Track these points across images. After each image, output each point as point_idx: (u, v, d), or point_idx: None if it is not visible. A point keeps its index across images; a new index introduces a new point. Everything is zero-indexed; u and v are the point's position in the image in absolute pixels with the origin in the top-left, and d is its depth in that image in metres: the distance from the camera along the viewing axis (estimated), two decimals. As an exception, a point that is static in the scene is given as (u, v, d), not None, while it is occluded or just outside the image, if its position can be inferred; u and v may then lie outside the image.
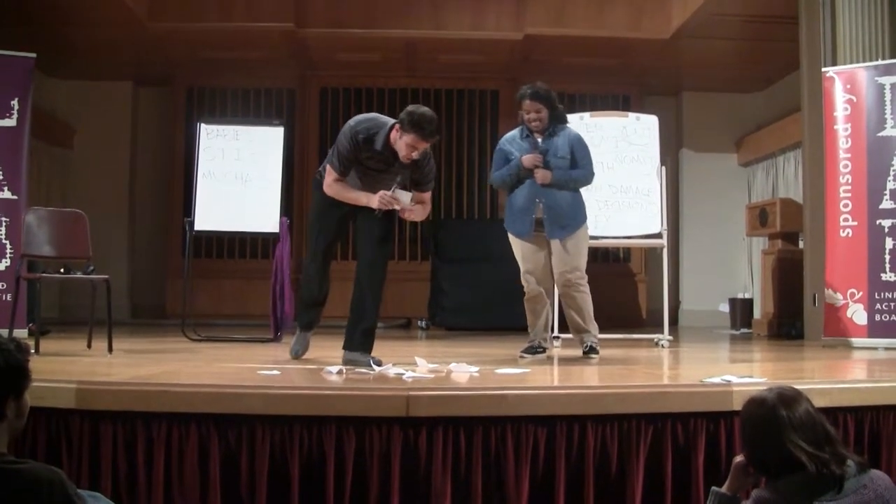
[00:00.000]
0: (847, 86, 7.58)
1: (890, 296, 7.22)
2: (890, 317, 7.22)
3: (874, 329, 7.27)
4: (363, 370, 4.78)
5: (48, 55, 9.27)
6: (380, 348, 5.52)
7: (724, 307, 11.41)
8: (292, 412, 3.69)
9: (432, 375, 4.49)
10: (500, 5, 10.56)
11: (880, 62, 7.64)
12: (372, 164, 5.24)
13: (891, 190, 7.29)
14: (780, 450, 2.70)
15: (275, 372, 4.65)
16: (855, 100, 7.51)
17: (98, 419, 3.69)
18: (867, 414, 4.08)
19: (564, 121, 6.15)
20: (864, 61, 7.77)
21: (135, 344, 7.17)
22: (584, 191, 6.19)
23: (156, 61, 11.54)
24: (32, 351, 3.00)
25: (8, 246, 7.26)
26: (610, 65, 11.26)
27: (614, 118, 8.29)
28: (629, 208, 7.94)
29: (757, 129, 12.01)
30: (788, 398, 2.78)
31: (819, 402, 3.37)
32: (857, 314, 7.35)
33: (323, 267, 5.59)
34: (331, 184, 5.30)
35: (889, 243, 7.27)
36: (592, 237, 6.63)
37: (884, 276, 7.27)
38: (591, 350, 5.95)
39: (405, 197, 5.22)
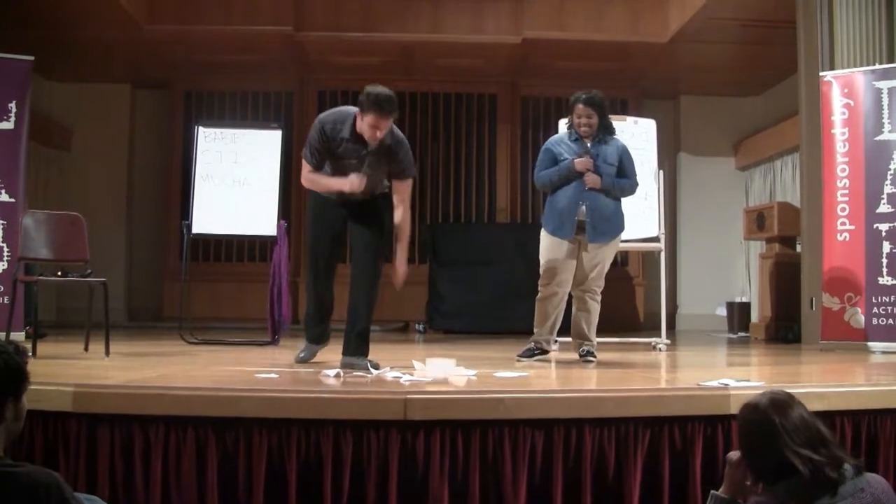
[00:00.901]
0: (845, 90, 7.59)
1: (887, 299, 7.22)
2: (887, 320, 7.22)
3: (871, 333, 7.27)
4: (360, 373, 4.78)
5: (46, 58, 9.27)
6: (377, 352, 5.51)
7: (722, 311, 11.41)
8: (290, 415, 3.68)
9: (430, 378, 4.48)
10: (499, 9, 10.58)
11: (878, 66, 7.65)
12: (345, 154, 5.24)
13: (888, 194, 7.30)
14: (774, 455, 2.69)
15: (272, 375, 4.65)
16: (852, 104, 7.52)
17: (95, 422, 3.68)
18: (864, 418, 4.08)
19: (613, 131, 6.16)
20: (861, 66, 7.78)
21: (132, 347, 7.16)
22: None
23: (154, 64, 11.54)
24: (30, 354, 3.00)
25: (5, 249, 7.26)
26: (608, 68, 11.27)
27: (612, 122, 8.28)
28: (626, 212, 7.93)
29: (754, 133, 12.03)
30: (781, 402, 2.77)
31: (816, 406, 3.37)
32: (855, 318, 7.35)
33: (327, 282, 5.56)
34: (305, 175, 5.36)
35: (886, 247, 7.27)
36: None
37: (881, 280, 7.27)
38: (588, 354, 5.97)
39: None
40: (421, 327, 10.90)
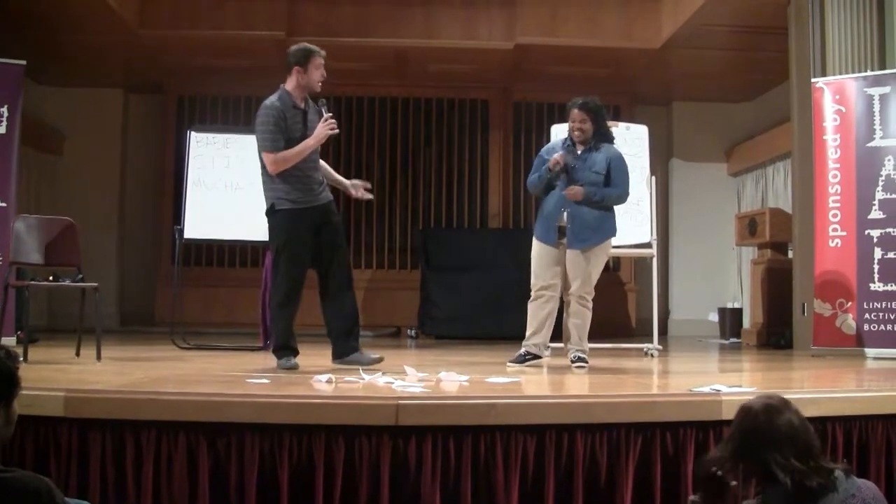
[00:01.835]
0: (836, 96, 7.62)
1: (878, 305, 7.25)
2: (878, 326, 7.24)
3: (863, 338, 7.29)
4: (353, 378, 4.77)
5: (38, 62, 9.26)
6: (369, 357, 5.54)
7: (714, 317, 11.43)
8: (281, 421, 3.68)
9: (421, 384, 4.48)
10: (491, 15, 10.58)
11: (869, 73, 7.68)
12: (293, 125, 5.55)
13: (879, 200, 7.32)
14: (759, 460, 2.69)
15: (264, 380, 4.64)
16: (844, 110, 7.55)
17: (86, 427, 3.68)
18: (856, 423, 4.09)
19: (610, 139, 6.21)
20: (853, 72, 7.81)
21: (124, 352, 7.15)
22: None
23: (147, 69, 11.52)
24: (21, 359, 2.99)
25: (-3, 253, 7.24)
26: (600, 74, 11.28)
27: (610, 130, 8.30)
28: (619, 218, 7.91)
29: (747, 139, 12.05)
30: (773, 408, 2.76)
31: (808, 412, 3.37)
32: (846, 324, 7.37)
33: (298, 301, 5.62)
34: (274, 160, 5.47)
35: (878, 253, 7.30)
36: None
37: (872, 286, 7.30)
38: (579, 360, 5.98)
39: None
40: (413, 333, 10.89)
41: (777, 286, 9.29)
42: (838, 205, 7.51)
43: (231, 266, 11.87)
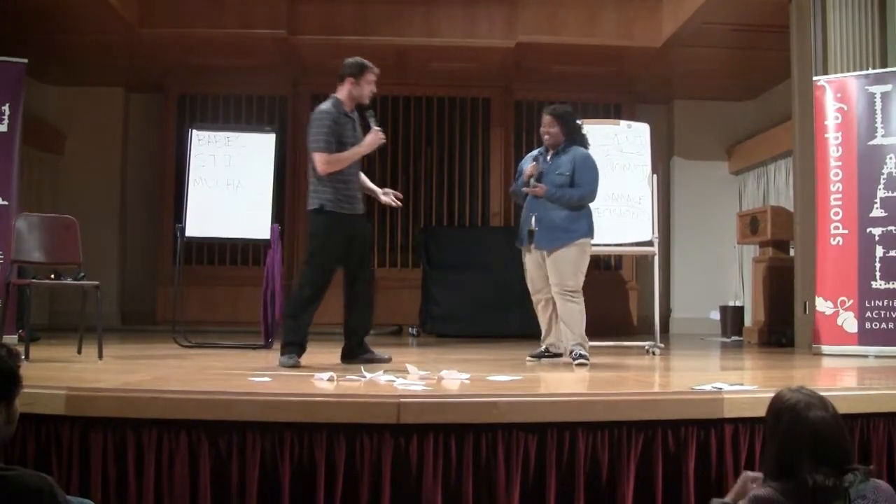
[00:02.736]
0: (838, 95, 7.61)
1: (880, 304, 7.24)
2: (880, 325, 7.24)
3: (864, 337, 7.28)
4: (355, 376, 4.78)
5: (39, 61, 9.25)
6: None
7: (715, 315, 11.42)
8: (283, 419, 3.68)
9: (423, 382, 4.48)
10: (492, 13, 10.57)
11: (871, 71, 7.67)
12: (344, 131, 5.82)
13: (881, 198, 7.32)
14: (791, 455, 2.66)
15: (266, 378, 4.64)
16: (846, 108, 7.55)
17: (88, 426, 3.68)
18: (857, 422, 4.08)
19: (582, 143, 6.40)
20: (854, 70, 7.80)
21: (125, 350, 7.15)
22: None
23: (147, 67, 11.52)
24: (22, 357, 2.99)
25: (-2, 252, 7.25)
26: (601, 73, 11.28)
27: (606, 126, 8.30)
28: (620, 216, 7.95)
29: (748, 138, 12.04)
30: (814, 406, 2.73)
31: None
32: (848, 322, 7.37)
33: (321, 300, 5.83)
34: (328, 160, 5.70)
35: (879, 251, 7.30)
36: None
37: (874, 284, 7.29)
38: (580, 357, 6.01)
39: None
40: (414, 331, 10.89)
41: (778, 284, 9.29)
42: (840, 203, 7.51)
43: (232, 264, 11.87)
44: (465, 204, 12.22)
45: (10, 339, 6.60)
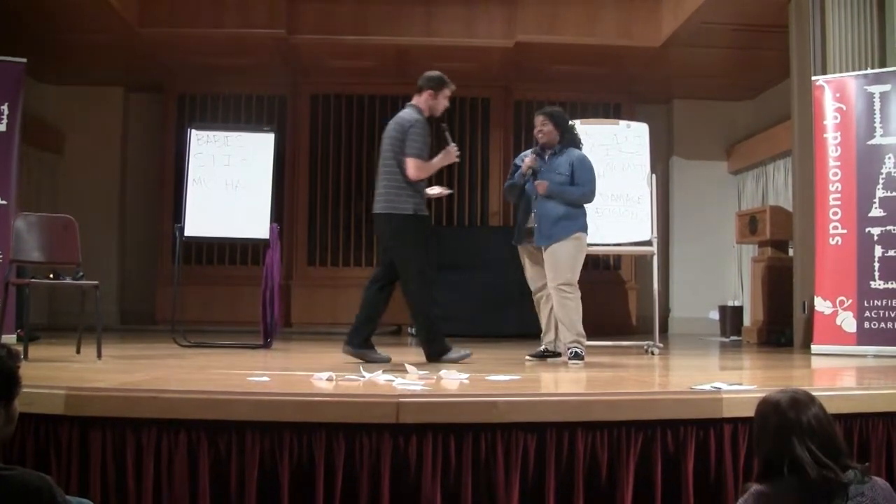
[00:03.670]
0: (837, 94, 7.61)
1: (879, 303, 7.24)
2: (879, 324, 7.24)
3: (863, 337, 7.29)
4: (353, 376, 4.77)
5: (39, 60, 9.26)
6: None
7: (714, 315, 11.43)
8: (282, 419, 3.68)
9: (422, 382, 4.48)
10: (492, 13, 10.58)
11: (869, 71, 7.67)
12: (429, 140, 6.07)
13: (880, 198, 7.32)
14: (785, 452, 2.67)
15: (265, 378, 4.64)
16: (844, 108, 7.55)
17: (87, 425, 3.67)
18: (856, 421, 4.08)
19: (576, 145, 6.52)
20: (853, 70, 7.81)
21: (124, 350, 7.15)
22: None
23: (147, 67, 11.52)
24: (22, 357, 2.99)
25: (-3, 251, 7.24)
26: (601, 73, 11.29)
27: (605, 126, 8.31)
28: (619, 216, 7.96)
29: (747, 138, 12.05)
30: (800, 401, 2.75)
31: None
32: (847, 322, 7.37)
33: None
34: (422, 167, 5.98)
35: (878, 251, 7.30)
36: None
37: (873, 284, 7.29)
38: (574, 356, 6.04)
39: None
40: (413, 331, 10.88)
41: (777, 284, 9.29)
42: (839, 203, 7.51)
43: (231, 264, 11.88)
44: (465, 204, 12.22)
45: (9, 339, 6.60)
